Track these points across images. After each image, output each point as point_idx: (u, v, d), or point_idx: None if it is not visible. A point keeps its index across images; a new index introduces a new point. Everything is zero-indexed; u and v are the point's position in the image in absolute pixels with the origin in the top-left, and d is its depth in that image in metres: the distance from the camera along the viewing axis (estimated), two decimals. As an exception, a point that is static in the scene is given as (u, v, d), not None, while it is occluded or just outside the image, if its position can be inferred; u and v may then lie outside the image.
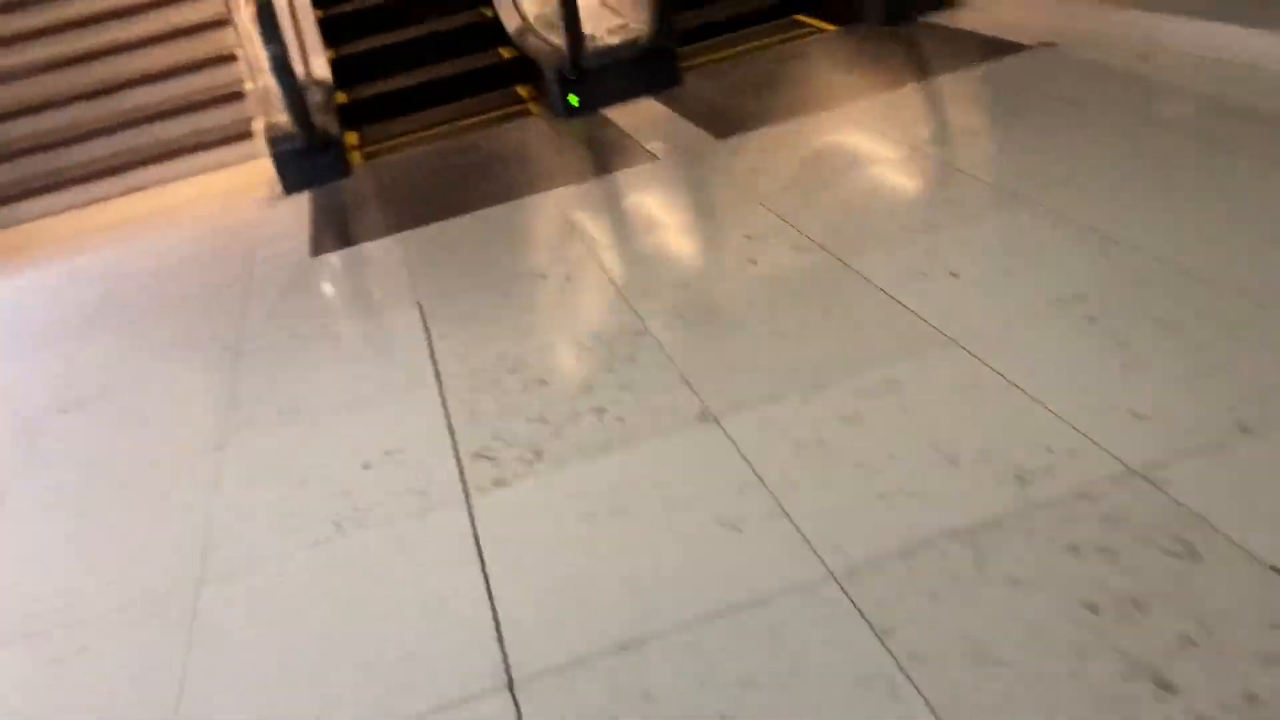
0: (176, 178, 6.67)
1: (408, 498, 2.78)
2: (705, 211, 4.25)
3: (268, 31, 5.19)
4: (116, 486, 3.20)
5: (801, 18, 7.00)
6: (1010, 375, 2.68)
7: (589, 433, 2.87)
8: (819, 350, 3.01)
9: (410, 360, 3.52)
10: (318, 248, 4.81)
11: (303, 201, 5.57)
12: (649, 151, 5.05)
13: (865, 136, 4.58)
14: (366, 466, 2.96)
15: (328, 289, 4.34)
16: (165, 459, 3.29)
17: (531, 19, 6.60)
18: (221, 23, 7.24)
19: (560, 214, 4.54)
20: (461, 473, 2.83)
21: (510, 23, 6.74)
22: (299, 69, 6.03)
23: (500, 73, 7.09)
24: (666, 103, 5.75)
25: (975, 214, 3.58)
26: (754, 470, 2.55)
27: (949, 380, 2.73)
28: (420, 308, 3.92)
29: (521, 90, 6.92)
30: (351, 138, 6.79)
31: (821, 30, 6.61)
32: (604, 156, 5.18)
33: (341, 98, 6.90)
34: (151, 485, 3.16)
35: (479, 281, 4.03)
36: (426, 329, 3.72)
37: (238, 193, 6.17)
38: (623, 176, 4.84)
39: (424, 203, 5.06)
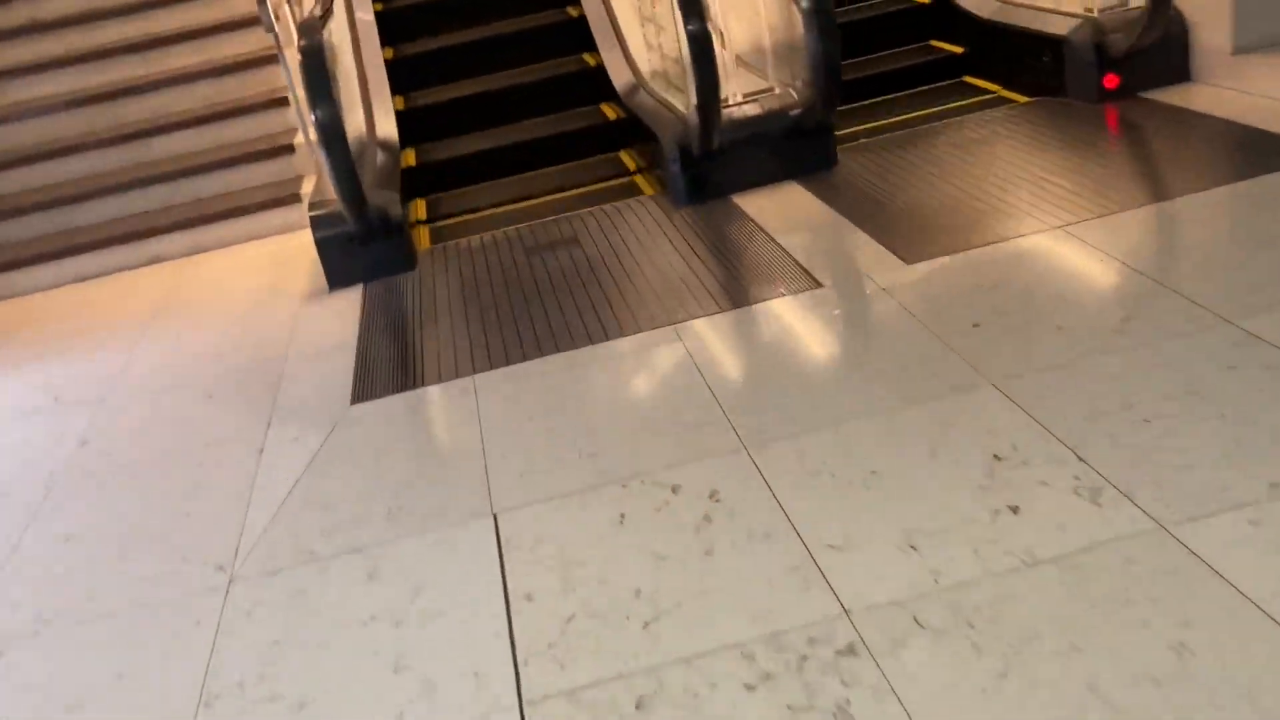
0: (208, 248, 5.52)
1: None
2: (913, 394, 2.91)
3: (314, 89, 4.00)
4: None
5: (976, 80, 5.70)
6: None
7: None
8: (1194, 756, 1.71)
9: (479, 645, 2.28)
10: (361, 388, 3.59)
11: (352, 303, 4.37)
12: (807, 272, 3.77)
13: (1124, 281, 3.26)
14: None
15: (367, 470, 3.11)
16: (84, 818, 2.08)
17: (647, 74, 5.35)
18: (273, 58, 6.10)
19: (690, 369, 3.27)
20: None
21: (618, 77, 5.50)
22: (356, 126, 4.86)
23: (586, 80, 5.96)
24: (819, 193, 4.47)
25: (1385, 465, 2.26)
26: None
27: None
28: (496, 525, 2.68)
29: (607, 108, 5.73)
30: (409, 157, 5.61)
31: (1008, 101, 5.29)
32: (743, 273, 3.91)
33: (409, 158, 5.72)
34: None
35: (581, 484, 2.79)
36: (504, 577, 2.48)
37: (278, 270, 5.01)
38: (773, 311, 3.56)
39: (505, 324, 3.83)
